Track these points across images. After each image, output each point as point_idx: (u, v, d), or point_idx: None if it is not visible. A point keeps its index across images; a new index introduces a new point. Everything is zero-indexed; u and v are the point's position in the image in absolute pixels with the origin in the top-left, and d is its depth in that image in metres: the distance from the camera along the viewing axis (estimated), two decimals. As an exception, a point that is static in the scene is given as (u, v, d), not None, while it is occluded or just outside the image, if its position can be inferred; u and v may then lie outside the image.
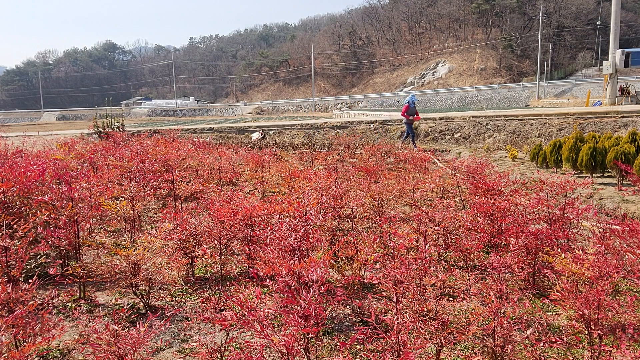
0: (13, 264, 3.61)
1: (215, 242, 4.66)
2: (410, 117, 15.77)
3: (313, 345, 3.11)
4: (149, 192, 6.22)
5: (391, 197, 6.14)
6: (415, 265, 3.36)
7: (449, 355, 3.23)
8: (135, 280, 3.89)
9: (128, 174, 7.64)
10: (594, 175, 9.04)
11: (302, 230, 3.94)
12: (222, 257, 4.73)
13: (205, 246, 4.64)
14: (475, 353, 3.20)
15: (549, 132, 15.71)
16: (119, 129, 16.05)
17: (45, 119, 78.41)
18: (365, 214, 6.10)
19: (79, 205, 4.58)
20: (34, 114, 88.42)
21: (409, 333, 2.99)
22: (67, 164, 7.53)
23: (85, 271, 4.11)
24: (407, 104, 15.85)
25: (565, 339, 3.35)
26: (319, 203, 5.01)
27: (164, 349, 3.42)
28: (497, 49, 76.00)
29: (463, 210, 5.89)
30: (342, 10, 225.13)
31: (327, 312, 3.85)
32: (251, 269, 4.29)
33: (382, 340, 3.01)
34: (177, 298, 4.34)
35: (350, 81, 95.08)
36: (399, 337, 2.66)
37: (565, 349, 3.26)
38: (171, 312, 3.96)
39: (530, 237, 4.17)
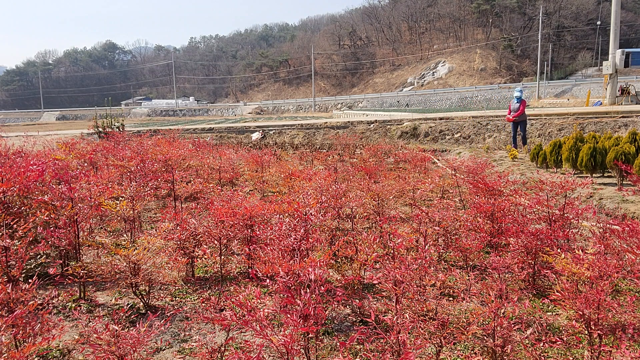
0: (13, 264, 3.61)
1: (215, 242, 4.66)
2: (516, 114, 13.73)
3: (313, 345, 3.11)
4: (149, 192, 6.22)
5: (391, 197, 6.14)
6: (415, 265, 3.36)
7: (449, 355, 3.23)
8: (135, 280, 3.88)
9: (128, 174, 7.63)
10: (594, 175, 9.04)
11: (302, 230, 3.94)
12: (222, 257, 4.73)
13: (205, 246, 4.64)
14: (475, 353, 3.20)
15: (549, 132, 15.72)
16: (119, 129, 16.04)
17: (45, 119, 78.43)
18: (365, 214, 6.10)
19: (79, 205, 4.58)
20: (34, 114, 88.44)
21: (409, 333, 2.99)
22: (67, 164, 7.53)
23: (85, 271, 4.11)
24: (524, 99, 13.87)
25: (565, 339, 3.35)
26: (319, 203, 5.01)
27: (164, 349, 3.42)
28: (497, 49, 75.96)
29: (463, 210, 5.89)
30: (342, 10, 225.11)
31: (327, 312, 3.85)
32: (251, 269, 4.29)
33: (382, 340, 3.01)
34: (177, 298, 4.34)
35: (350, 81, 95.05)
36: (399, 337, 2.66)
37: (565, 349, 3.26)
38: (171, 312, 3.96)
39: (530, 237, 4.17)
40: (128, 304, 4.14)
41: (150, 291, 4.19)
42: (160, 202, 8.22)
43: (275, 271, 3.22)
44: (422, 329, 2.91)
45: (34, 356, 3.25)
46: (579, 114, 17.14)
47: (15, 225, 4.00)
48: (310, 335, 2.83)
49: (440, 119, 19.77)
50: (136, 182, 6.43)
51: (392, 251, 4.04)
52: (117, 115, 18.59)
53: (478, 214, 5.22)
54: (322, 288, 2.81)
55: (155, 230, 4.64)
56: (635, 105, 23.31)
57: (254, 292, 2.90)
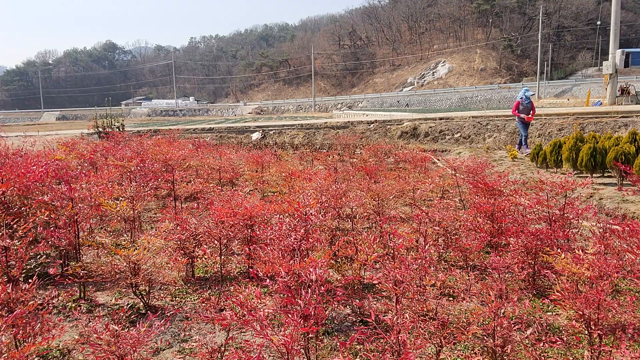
0: (13, 264, 3.61)
1: (215, 242, 4.66)
2: (522, 116, 13.13)
3: (313, 345, 3.11)
4: (149, 192, 6.22)
5: (391, 197, 6.14)
6: (415, 265, 3.36)
7: (449, 355, 3.23)
8: (135, 280, 3.88)
9: (128, 174, 7.63)
10: (594, 175, 9.04)
11: (302, 230, 3.95)
12: (222, 257, 4.73)
13: (205, 246, 4.64)
14: (475, 353, 3.20)
15: (549, 132, 15.71)
16: (119, 129, 16.05)
17: (45, 119, 78.36)
18: (365, 214, 6.10)
19: (79, 205, 4.59)
20: (34, 114, 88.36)
21: (409, 333, 2.99)
22: (67, 164, 7.53)
23: (85, 271, 4.11)
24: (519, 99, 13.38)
25: (565, 339, 3.35)
26: (319, 203, 5.01)
27: (164, 349, 3.42)
28: (497, 49, 75.95)
29: (463, 210, 5.89)
30: (342, 10, 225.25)
31: (327, 312, 3.85)
32: (251, 269, 4.29)
33: (382, 340, 3.01)
34: (177, 298, 4.34)
35: (350, 81, 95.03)
36: (399, 337, 2.66)
37: (565, 349, 3.26)
38: (171, 312, 3.96)
39: (530, 237, 4.17)
40: (128, 304, 4.14)
41: (150, 291, 4.19)
42: (160, 202, 8.22)
43: (276, 271, 3.22)
44: (422, 329, 2.91)
45: (34, 356, 3.25)
46: (579, 114, 17.13)
47: (15, 225, 4.01)
48: (310, 335, 2.83)
49: (440, 119, 19.76)
50: (136, 182, 6.43)
51: (392, 251, 4.05)
52: (117, 115, 18.59)
53: (478, 214, 5.22)
54: (323, 288, 2.81)
55: (156, 230, 4.64)
56: (635, 105, 23.29)
57: (254, 292, 2.90)
